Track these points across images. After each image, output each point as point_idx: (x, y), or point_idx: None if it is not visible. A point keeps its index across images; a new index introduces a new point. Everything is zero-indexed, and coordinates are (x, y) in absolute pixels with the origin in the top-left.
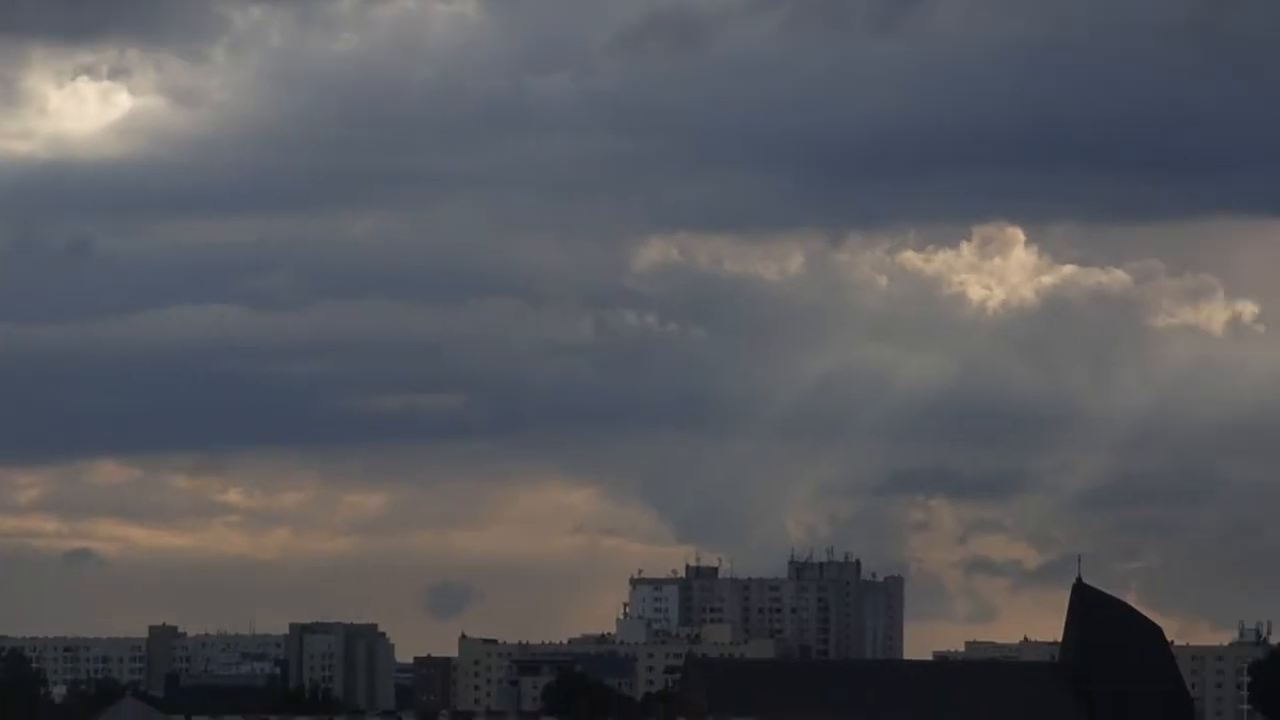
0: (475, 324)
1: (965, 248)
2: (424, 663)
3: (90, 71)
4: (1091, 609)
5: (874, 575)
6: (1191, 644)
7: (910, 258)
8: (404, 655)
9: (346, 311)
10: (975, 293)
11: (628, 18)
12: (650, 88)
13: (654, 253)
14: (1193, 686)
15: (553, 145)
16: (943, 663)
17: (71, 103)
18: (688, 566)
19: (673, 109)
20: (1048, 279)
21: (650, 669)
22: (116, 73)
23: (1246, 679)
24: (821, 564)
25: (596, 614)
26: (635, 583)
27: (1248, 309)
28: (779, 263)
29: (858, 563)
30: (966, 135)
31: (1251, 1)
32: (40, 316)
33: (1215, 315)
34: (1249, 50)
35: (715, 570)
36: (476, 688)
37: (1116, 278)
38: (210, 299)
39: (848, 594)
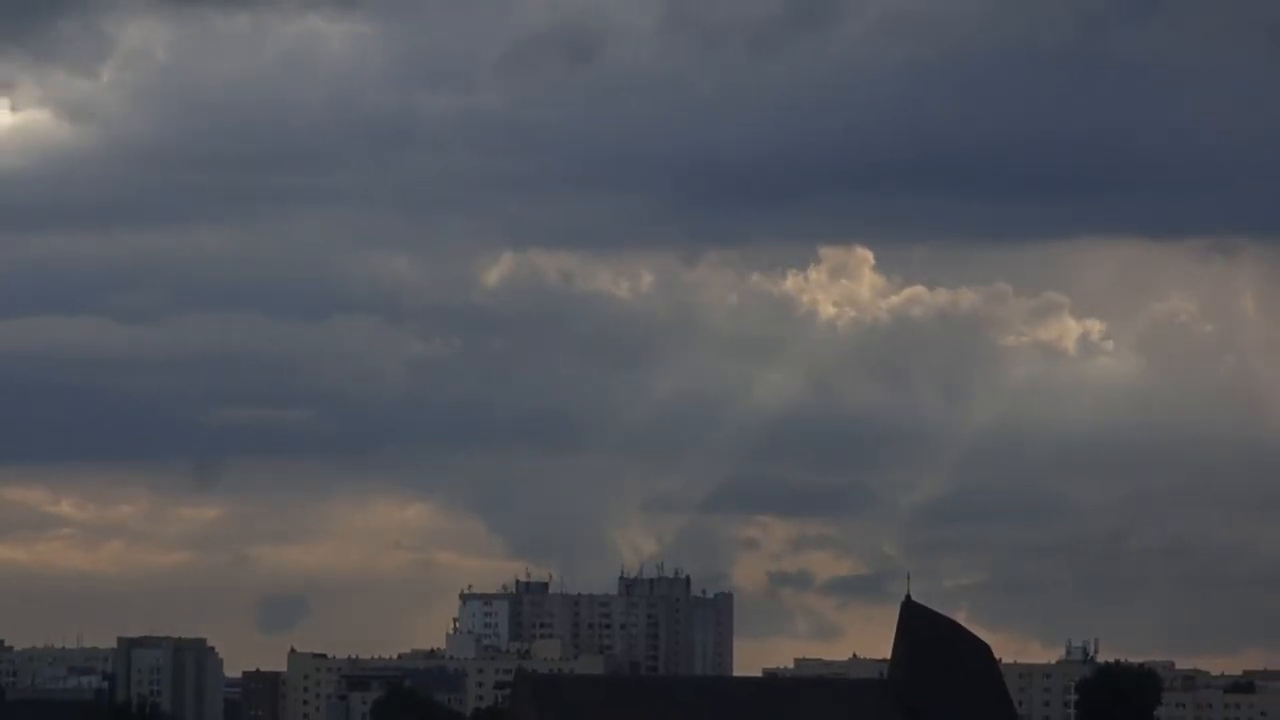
0: (330, 340)
1: (815, 268)
2: (253, 677)
3: None
4: (920, 627)
5: (704, 592)
6: (1020, 661)
7: (761, 278)
8: (233, 670)
9: (207, 326)
10: (824, 312)
11: (516, 37)
12: (527, 107)
13: (507, 270)
14: (1019, 704)
15: (421, 162)
16: (774, 680)
17: None
18: (518, 582)
19: (544, 127)
20: (896, 299)
21: (480, 684)
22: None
23: (1074, 696)
24: (651, 580)
25: (427, 629)
26: (465, 598)
27: (1094, 328)
28: (630, 280)
29: (687, 579)
30: (823, 159)
31: (1124, 27)
32: None
33: (1061, 335)
34: (1114, 75)
35: (545, 586)
36: (305, 703)
37: (964, 297)
38: (78, 311)
39: (677, 610)
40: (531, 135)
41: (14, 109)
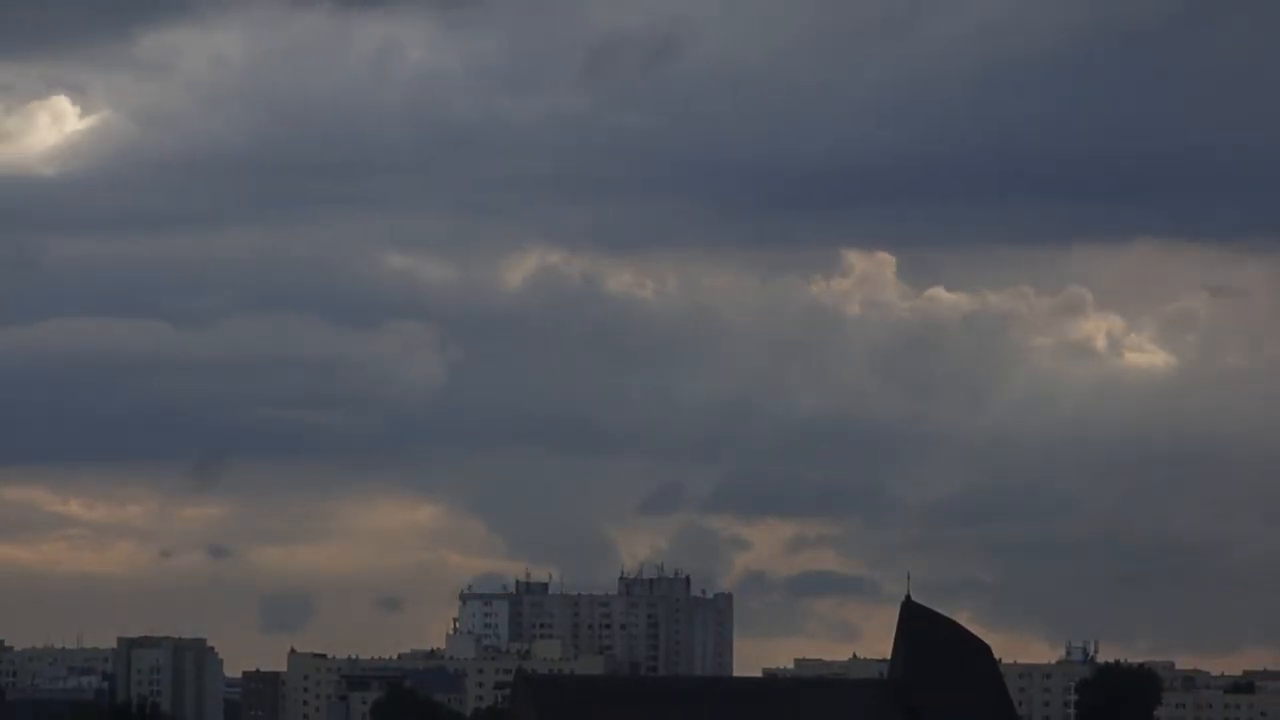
0: (339, 342)
1: (839, 272)
2: (253, 677)
3: (49, 88)
4: (920, 627)
5: (703, 592)
6: (1020, 661)
7: (786, 282)
8: (233, 670)
9: (223, 328)
10: (847, 316)
11: (588, 44)
12: (562, 114)
13: (525, 272)
14: (1020, 704)
15: (462, 166)
16: (774, 680)
17: (26, 119)
18: (518, 582)
19: (569, 130)
20: (917, 303)
21: (480, 685)
22: (73, 90)
23: (1074, 696)
24: (651, 581)
25: (427, 629)
26: (465, 598)
27: (1110, 329)
28: (655, 282)
29: (687, 579)
30: (847, 165)
31: (1143, 34)
32: None
33: (1074, 337)
34: (1134, 79)
35: (545, 586)
36: (305, 703)
37: (982, 300)
38: (129, 314)
39: (677, 610)
40: (553, 138)
41: (84, 113)
